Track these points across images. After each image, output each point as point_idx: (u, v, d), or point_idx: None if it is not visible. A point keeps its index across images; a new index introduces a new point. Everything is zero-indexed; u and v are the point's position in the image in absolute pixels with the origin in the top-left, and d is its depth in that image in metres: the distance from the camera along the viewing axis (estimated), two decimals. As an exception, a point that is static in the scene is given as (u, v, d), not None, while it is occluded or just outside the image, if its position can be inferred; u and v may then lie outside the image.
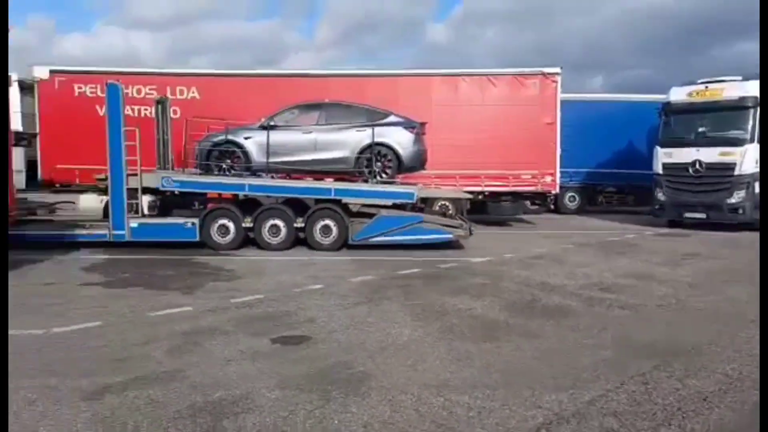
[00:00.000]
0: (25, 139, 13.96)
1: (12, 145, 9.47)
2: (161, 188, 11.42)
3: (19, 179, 10.80)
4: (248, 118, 12.09)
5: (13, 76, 9.98)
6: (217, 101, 14.12)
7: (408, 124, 11.86)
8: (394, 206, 11.78)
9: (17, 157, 10.72)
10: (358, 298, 7.36)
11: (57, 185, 14.98)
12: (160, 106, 12.40)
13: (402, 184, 12.00)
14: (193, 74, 15.71)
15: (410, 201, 11.64)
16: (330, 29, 65.46)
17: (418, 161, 12.04)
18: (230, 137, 11.71)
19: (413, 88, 15.18)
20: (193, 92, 15.08)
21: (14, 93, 10.66)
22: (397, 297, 7.45)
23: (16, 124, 11.55)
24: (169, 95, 13.89)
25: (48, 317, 6.35)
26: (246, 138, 11.71)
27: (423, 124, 12.06)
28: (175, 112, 13.46)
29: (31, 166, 14.54)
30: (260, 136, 11.51)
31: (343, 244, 11.20)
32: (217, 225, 11.22)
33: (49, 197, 13.79)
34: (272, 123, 11.62)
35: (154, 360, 5.03)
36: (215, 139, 11.83)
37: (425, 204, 13.84)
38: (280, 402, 4.15)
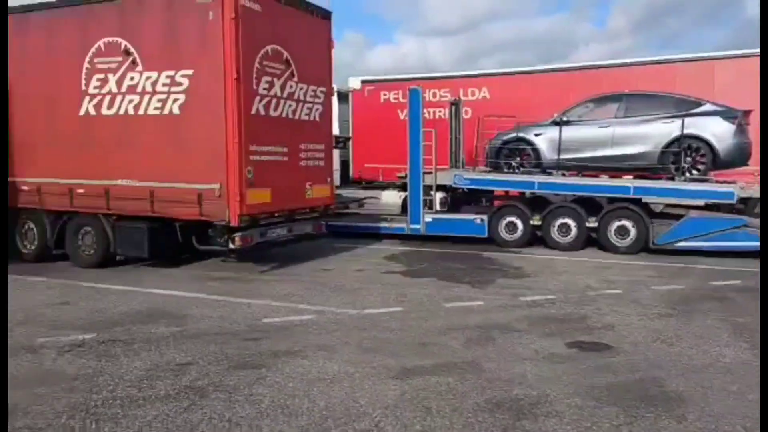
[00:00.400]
0: (341, 142, 16.06)
1: (332, 147, 11.03)
2: (453, 185, 11.95)
3: (335, 177, 12.47)
4: (539, 115, 11.86)
5: (334, 87, 11.54)
6: (507, 100, 14.17)
7: (727, 114, 10.22)
8: (706, 207, 10.32)
9: (335, 158, 12.37)
10: (664, 309, 6.57)
11: (363, 182, 16.91)
12: (453, 108, 12.97)
13: (717, 181, 10.44)
14: (484, 75, 16.13)
15: (729, 201, 10.05)
16: (625, 16, 60.55)
17: (739, 155, 10.28)
18: (520, 134, 11.68)
19: (734, 72, 12.96)
20: (483, 92, 15.45)
21: (334, 102, 12.31)
22: (712, 311, 6.45)
23: (334, 129, 13.36)
24: (461, 97, 14.47)
25: (360, 299, 7.11)
26: (536, 135, 11.53)
27: (747, 113, 10.25)
28: (466, 112, 13.91)
29: (343, 165, 16.70)
30: (551, 133, 11.21)
31: (642, 247, 10.21)
32: (505, 222, 11.28)
33: (359, 193, 15.60)
34: (565, 118, 11.20)
35: (451, 349, 5.21)
36: (505, 137, 11.92)
37: (745, 205, 11.79)
38: (581, 411, 3.88)
